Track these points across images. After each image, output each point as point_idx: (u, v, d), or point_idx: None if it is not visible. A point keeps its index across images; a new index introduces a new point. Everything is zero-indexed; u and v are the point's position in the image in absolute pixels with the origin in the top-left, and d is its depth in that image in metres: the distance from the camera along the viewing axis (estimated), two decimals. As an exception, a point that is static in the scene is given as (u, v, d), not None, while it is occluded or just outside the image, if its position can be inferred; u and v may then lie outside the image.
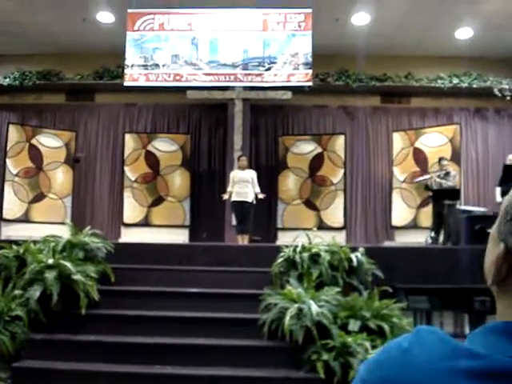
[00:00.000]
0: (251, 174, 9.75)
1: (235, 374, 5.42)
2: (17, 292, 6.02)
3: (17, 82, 12.08)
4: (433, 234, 9.72)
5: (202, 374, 5.41)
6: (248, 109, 11.18)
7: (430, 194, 10.17)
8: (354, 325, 5.65)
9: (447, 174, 9.89)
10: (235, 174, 9.80)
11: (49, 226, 10.61)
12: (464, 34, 11.26)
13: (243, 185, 9.61)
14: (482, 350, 0.71)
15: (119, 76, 11.62)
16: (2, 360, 5.69)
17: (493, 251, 0.81)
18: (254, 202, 9.64)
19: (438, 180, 9.82)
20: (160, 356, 5.64)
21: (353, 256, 6.50)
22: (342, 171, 12.02)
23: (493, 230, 0.83)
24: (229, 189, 9.80)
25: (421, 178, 10.56)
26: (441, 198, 9.63)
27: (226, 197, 9.89)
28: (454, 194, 9.82)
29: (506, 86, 11.79)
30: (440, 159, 10.17)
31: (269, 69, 10.56)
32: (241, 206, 9.59)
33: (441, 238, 9.55)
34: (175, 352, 5.70)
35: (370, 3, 10.46)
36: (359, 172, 12.48)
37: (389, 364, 0.75)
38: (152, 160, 12.23)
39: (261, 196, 9.68)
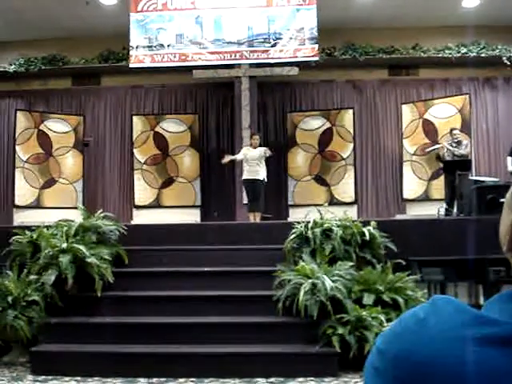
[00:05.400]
0: (262, 152, 9.71)
1: (251, 351, 5.46)
2: (32, 277, 6.08)
3: (22, 69, 12.04)
4: (446, 206, 9.66)
5: (218, 352, 5.45)
6: (255, 86, 11.10)
7: (441, 165, 10.13)
8: (368, 298, 5.67)
9: (459, 142, 9.84)
10: (247, 152, 9.73)
11: (61, 210, 10.65)
12: (470, 2, 11.10)
13: (254, 163, 9.58)
14: (499, 317, 0.70)
15: (124, 58, 11.57)
16: (20, 345, 5.77)
17: (507, 218, 0.80)
18: (265, 180, 9.63)
19: (450, 148, 9.76)
20: (175, 335, 5.69)
21: (365, 230, 6.51)
22: (352, 146, 11.94)
23: (507, 197, 0.82)
24: (237, 156, 9.84)
25: (432, 148, 10.52)
26: (452, 169, 9.58)
27: (225, 160, 9.91)
28: (465, 164, 9.76)
29: (515, 54, 11.63)
30: (451, 130, 10.13)
31: (274, 45, 10.47)
32: (252, 184, 9.58)
33: (455, 210, 9.50)
34: (190, 331, 5.75)
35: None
36: (369, 146, 12.40)
37: (406, 335, 0.74)
38: (161, 141, 12.21)
39: (268, 152, 9.66)
